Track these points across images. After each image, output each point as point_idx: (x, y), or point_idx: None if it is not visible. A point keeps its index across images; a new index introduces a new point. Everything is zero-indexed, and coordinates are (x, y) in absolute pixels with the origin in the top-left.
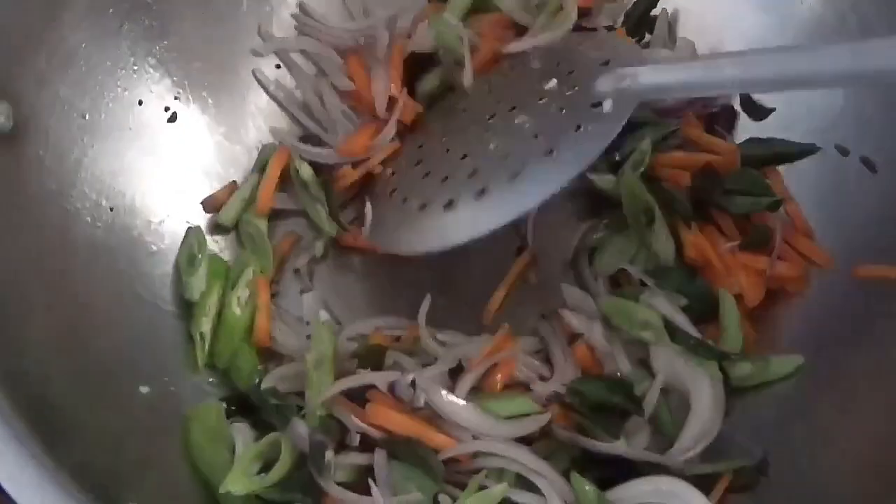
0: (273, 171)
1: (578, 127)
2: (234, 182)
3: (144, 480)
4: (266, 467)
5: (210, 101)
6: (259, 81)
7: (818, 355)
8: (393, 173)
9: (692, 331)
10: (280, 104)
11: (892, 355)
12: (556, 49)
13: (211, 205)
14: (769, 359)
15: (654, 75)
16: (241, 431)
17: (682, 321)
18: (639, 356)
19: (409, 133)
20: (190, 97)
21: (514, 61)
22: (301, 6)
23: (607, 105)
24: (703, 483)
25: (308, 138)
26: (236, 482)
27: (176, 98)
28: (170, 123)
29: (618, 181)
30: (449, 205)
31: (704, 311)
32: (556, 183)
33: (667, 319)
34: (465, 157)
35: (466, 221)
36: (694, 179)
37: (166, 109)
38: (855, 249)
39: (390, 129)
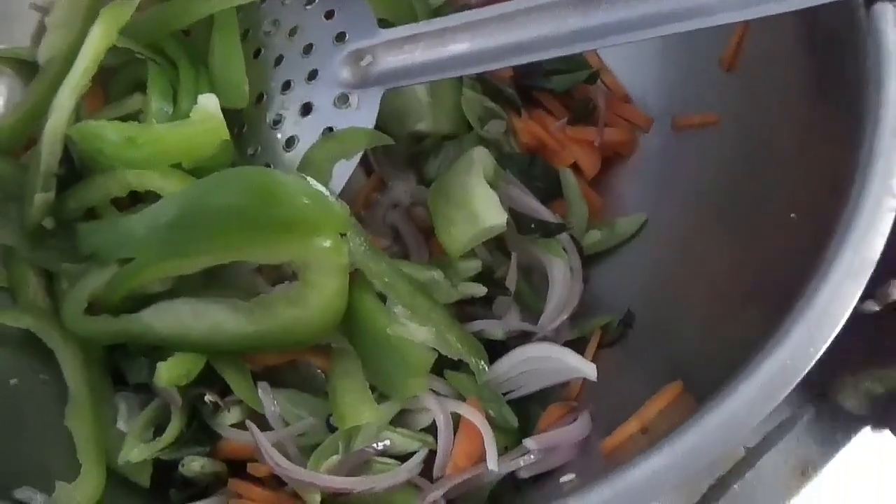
0: None
1: (329, 129)
2: None
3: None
4: (159, 429)
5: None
6: None
7: (658, 208)
8: None
9: (544, 212)
10: None
11: (719, 192)
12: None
13: None
14: (615, 222)
15: (393, 54)
16: (125, 399)
17: (532, 203)
18: (495, 241)
19: None
20: None
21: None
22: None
23: (354, 100)
24: (579, 346)
25: None
26: (133, 450)
27: None
28: None
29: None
30: None
31: (550, 189)
32: None
33: (512, 209)
34: None
35: None
36: (515, 69)
37: None
38: (672, 103)
39: None
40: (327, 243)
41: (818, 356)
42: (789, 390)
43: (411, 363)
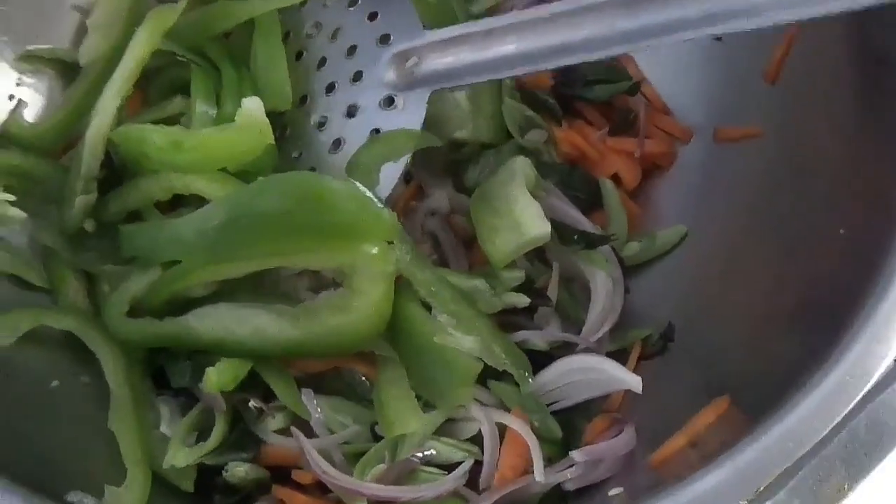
0: None
1: (376, 131)
2: None
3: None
4: (202, 433)
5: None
6: None
7: (699, 221)
8: None
9: (585, 222)
10: None
11: (762, 206)
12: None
13: None
14: (655, 234)
15: (438, 56)
16: (167, 403)
17: (573, 213)
18: (536, 251)
19: None
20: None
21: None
22: None
23: (399, 102)
24: (619, 358)
25: None
26: (178, 455)
27: (18, 84)
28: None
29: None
30: None
31: (589, 199)
32: None
33: (553, 220)
34: None
35: None
36: (555, 78)
37: (10, 98)
38: (713, 116)
39: None
40: (375, 250)
41: (880, 371)
42: (851, 406)
43: (458, 372)
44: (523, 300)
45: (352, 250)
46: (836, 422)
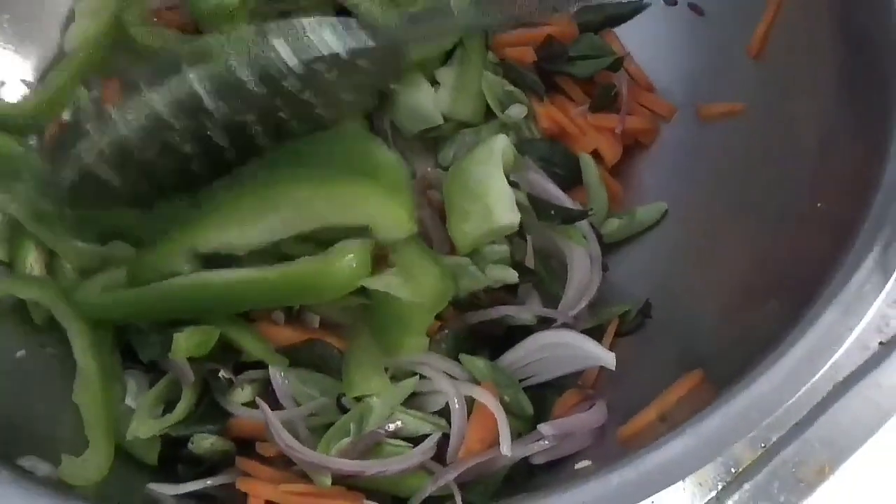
0: None
1: None
2: None
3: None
4: (169, 406)
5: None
6: None
7: (679, 198)
8: None
9: (563, 198)
10: None
11: (743, 183)
12: None
13: None
14: (635, 211)
15: None
16: (135, 377)
17: (551, 189)
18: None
19: None
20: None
21: None
22: None
23: None
24: (595, 334)
25: None
26: (142, 426)
27: None
28: None
29: None
30: None
31: (570, 176)
32: None
33: (531, 195)
34: None
35: None
36: (538, 53)
37: None
38: (696, 93)
39: None
40: (399, 206)
41: (847, 344)
42: (817, 376)
43: (407, 322)
44: (512, 275)
45: (379, 201)
46: (801, 391)
